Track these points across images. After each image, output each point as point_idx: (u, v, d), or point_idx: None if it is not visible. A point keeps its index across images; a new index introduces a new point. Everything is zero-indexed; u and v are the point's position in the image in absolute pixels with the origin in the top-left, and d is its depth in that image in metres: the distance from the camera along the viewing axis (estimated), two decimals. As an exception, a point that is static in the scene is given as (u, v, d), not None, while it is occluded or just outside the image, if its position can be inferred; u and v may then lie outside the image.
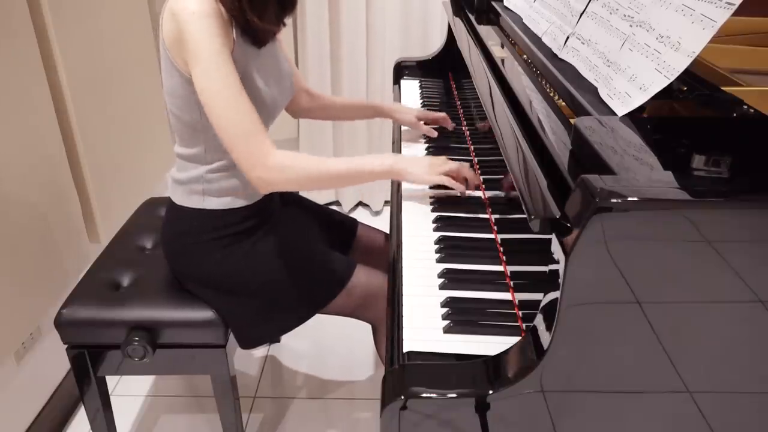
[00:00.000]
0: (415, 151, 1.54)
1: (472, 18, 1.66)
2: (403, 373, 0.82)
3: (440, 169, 1.23)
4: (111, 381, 1.83)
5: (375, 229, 1.59)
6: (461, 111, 1.70)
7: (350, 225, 1.56)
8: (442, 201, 1.27)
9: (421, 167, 1.22)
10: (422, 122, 1.59)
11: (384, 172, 1.21)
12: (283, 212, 1.40)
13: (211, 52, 1.08)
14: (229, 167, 1.24)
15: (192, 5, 1.08)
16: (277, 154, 1.14)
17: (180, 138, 1.25)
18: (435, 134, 1.57)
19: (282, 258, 1.31)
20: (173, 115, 1.22)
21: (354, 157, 1.22)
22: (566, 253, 0.69)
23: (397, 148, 1.57)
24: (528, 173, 0.89)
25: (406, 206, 1.26)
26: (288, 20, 1.28)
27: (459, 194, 1.27)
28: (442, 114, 1.60)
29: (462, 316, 0.95)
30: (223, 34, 1.10)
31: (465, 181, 1.26)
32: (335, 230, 1.52)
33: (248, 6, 1.12)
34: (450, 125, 1.59)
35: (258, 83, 1.19)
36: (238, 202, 1.27)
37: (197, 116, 1.17)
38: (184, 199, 1.28)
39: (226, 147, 1.14)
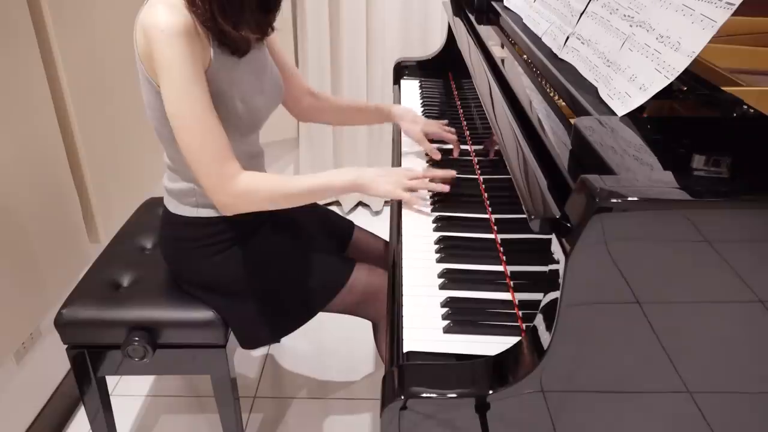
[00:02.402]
0: (415, 149, 1.54)
1: (472, 18, 1.66)
2: (403, 373, 0.82)
3: (406, 184, 1.20)
4: (111, 381, 1.83)
5: (371, 233, 1.59)
6: (461, 111, 1.70)
7: (347, 227, 1.56)
8: (442, 201, 1.27)
9: (385, 182, 1.20)
10: (427, 139, 1.48)
11: (347, 186, 1.20)
12: (281, 214, 1.40)
13: (180, 76, 1.05)
14: None
15: (162, 22, 1.03)
16: (240, 179, 1.12)
17: (165, 149, 1.24)
18: (438, 156, 1.44)
19: (281, 259, 1.31)
20: (154, 127, 1.20)
21: (318, 174, 1.21)
22: (566, 253, 0.69)
23: (396, 147, 1.57)
24: (528, 173, 0.89)
25: (406, 206, 1.26)
26: (280, 24, 1.24)
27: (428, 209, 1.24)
28: (453, 137, 1.48)
29: (462, 316, 0.95)
30: (195, 51, 1.06)
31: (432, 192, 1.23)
32: (332, 232, 1.52)
33: (221, 16, 1.06)
34: (456, 151, 1.47)
35: (237, 96, 1.15)
36: None
37: None
38: (178, 207, 1.27)
39: (191, 169, 1.12)
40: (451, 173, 1.27)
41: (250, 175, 1.14)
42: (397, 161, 1.52)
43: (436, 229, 1.19)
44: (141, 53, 1.10)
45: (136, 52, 1.12)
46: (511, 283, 1.02)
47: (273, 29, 1.23)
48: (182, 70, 1.05)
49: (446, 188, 1.23)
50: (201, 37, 1.08)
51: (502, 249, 1.11)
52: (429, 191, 1.27)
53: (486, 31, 1.52)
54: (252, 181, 1.13)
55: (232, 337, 1.35)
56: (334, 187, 1.20)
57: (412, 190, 1.22)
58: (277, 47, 1.37)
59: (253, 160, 1.29)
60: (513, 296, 1.00)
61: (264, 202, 1.17)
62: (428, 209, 1.23)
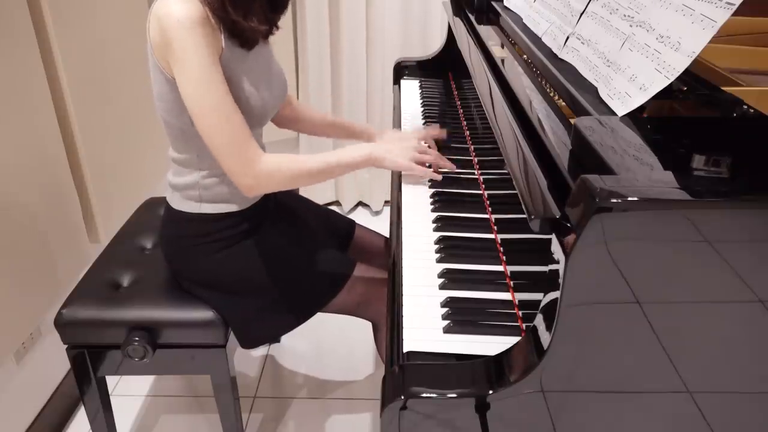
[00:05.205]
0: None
1: (472, 18, 1.66)
2: (403, 374, 0.82)
3: (414, 155, 1.28)
4: (111, 381, 1.83)
5: (372, 231, 1.59)
6: (461, 111, 1.70)
7: (348, 226, 1.56)
8: (442, 201, 1.27)
9: (396, 153, 1.26)
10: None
11: (363, 161, 1.24)
12: (282, 212, 1.40)
13: (198, 62, 1.07)
14: (224, 173, 1.23)
15: (177, 11, 1.05)
16: (263, 160, 1.14)
17: (173, 143, 1.25)
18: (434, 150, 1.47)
19: (281, 257, 1.31)
20: (163, 120, 1.21)
21: (335, 151, 1.24)
22: (566, 253, 0.69)
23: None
24: (528, 173, 0.89)
25: (406, 206, 1.26)
26: (281, 23, 1.26)
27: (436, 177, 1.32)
28: (434, 132, 1.46)
29: (462, 316, 0.95)
30: (210, 39, 1.08)
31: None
32: (333, 231, 1.52)
33: (231, 5, 1.09)
34: (444, 135, 1.46)
35: (246, 87, 1.17)
36: (235, 206, 1.27)
37: (188, 121, 1.14)
38: (180, 204, 1.28)
39: (214, 155, 1.13)
40: (450, 165, 1.35)
41: (272, 156, 1.16)
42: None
43: (436, 229, 1.19)
44: (154, 45, 1.11)
45: (149, 44, 1.13)
46: (511, 283, 1.03)
47: (278, 27, 1.25)
48: (201, 57, 1.07)
49: (453, 166, 1.33)
50: (213, 25, 1.10)
51: (502, 249, 1.11)
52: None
53: (486, 31, 1.52)
54: (274, 162, 1.16)
55: (232, 337, 1.36)
56: (350, 162, 1.23)
57: (420, 162, 1.29)
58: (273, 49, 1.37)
59: None
60: (513, 296, 1.00)
61: (287, 181, 1.19)
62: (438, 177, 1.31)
